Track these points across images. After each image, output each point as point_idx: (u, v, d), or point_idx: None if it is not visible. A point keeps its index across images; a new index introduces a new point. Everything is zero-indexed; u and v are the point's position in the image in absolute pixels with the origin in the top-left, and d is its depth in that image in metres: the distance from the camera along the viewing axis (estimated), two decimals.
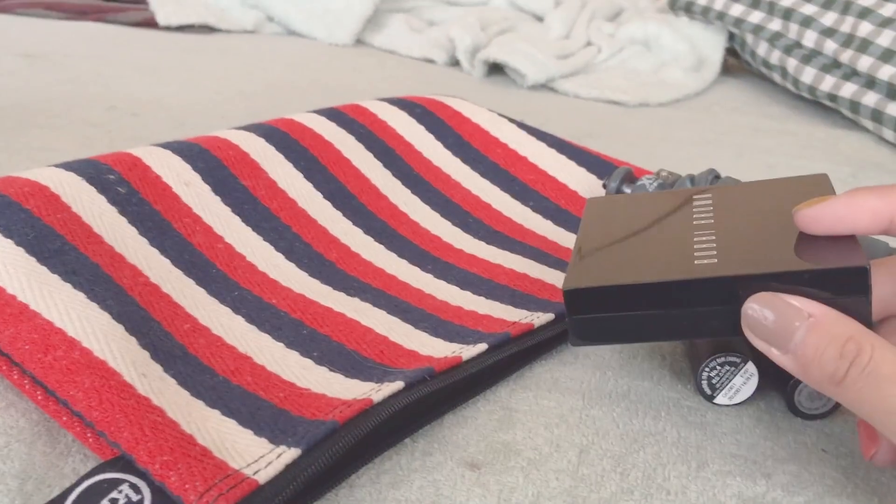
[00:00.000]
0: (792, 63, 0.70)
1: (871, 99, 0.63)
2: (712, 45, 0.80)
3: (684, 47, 0.79)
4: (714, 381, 0.29)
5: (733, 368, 0.29)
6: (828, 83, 0.67)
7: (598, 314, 0.27)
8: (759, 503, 0.25)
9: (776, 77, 0.74)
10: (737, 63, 0.84)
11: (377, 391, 0.26)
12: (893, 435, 0.22)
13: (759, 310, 0.24)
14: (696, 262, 0.26)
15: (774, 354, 0.24)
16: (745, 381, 0.29)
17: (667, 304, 0.26)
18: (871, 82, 0.64)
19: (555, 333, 0.32)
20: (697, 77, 0.76)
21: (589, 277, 0.27)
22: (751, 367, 0.29)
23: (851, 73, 0.66)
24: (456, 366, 0.28)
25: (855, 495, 0.26)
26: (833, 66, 0.67)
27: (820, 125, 0.67)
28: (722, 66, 0.80)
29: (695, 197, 0.31)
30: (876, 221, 0.25)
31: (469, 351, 0.29)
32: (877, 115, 0.63)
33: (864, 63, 0.63)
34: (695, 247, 0.27)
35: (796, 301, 0.24)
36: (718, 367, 0.29)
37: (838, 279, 0.24)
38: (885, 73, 0.62)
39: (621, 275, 0.27)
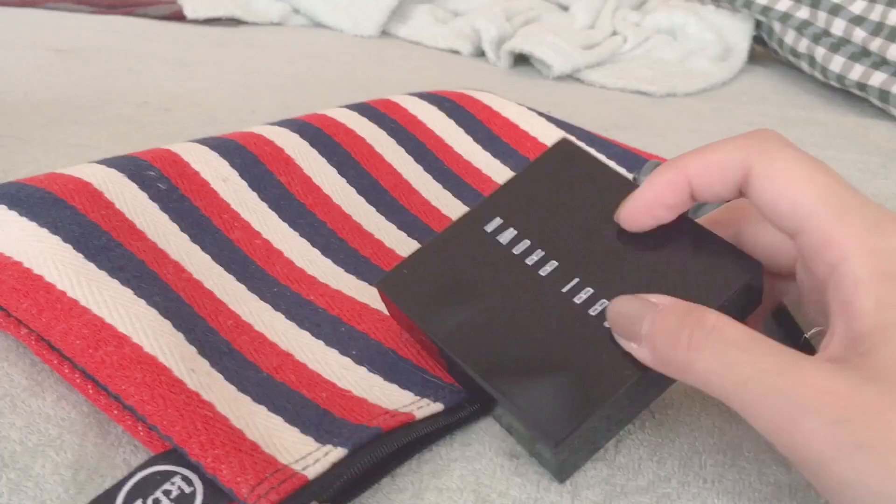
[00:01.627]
0: (820, 52, 0.70)
1: None
2: (739, 34, 0.80)
3: (711, 36, 0.79)
4: None
5: None
6: (857, 72, 0.67)
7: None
8: (795, 490, 0.25)
9: (804, 66, 0.74)
10: (764, 51, 0.84)
11: (419, 407, 0.26)
12: (749, 407, 0.21)
13: (617, 309, 0.24)
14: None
15: (633, 349, 0.24)
16: None
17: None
18: None
19: None
20: (724, 66, 0.76)
21: (401, 290, 0.28)
22: None
23: (881, 62, 0.65)
24: None
25: None
26: (862, 54, 0.67)
27: (849, 114, 0.67)
28: (749, 54, 0.79)
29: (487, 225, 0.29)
30: (677, 193, 0.25)
31: None
32: None
33: (894, 51, 0.63)
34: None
35: (652, 297, 0.24)
36: None
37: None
38: None
39: (419, 308, 0.28)
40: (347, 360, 0.29)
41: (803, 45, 0.72)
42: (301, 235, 0.36)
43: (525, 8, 0.83)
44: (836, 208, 0.22)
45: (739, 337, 0.21)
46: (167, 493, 0.22)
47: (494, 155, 0.46)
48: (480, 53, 0.78)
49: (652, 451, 0.27)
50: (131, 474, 0.23)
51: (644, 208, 0.26)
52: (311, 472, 0.23)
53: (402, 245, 0.37)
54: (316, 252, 0.35)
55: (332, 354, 0.29)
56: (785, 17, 0.74)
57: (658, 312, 0.23)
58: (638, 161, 0.46)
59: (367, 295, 0.33)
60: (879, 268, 0.21)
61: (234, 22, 0.83)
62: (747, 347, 0.21)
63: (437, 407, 0.27)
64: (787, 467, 0.26)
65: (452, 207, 0.41)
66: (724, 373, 0.21)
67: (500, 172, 0.45)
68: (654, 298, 0.24)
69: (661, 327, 0.23)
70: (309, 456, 0.23)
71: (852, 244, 0.22)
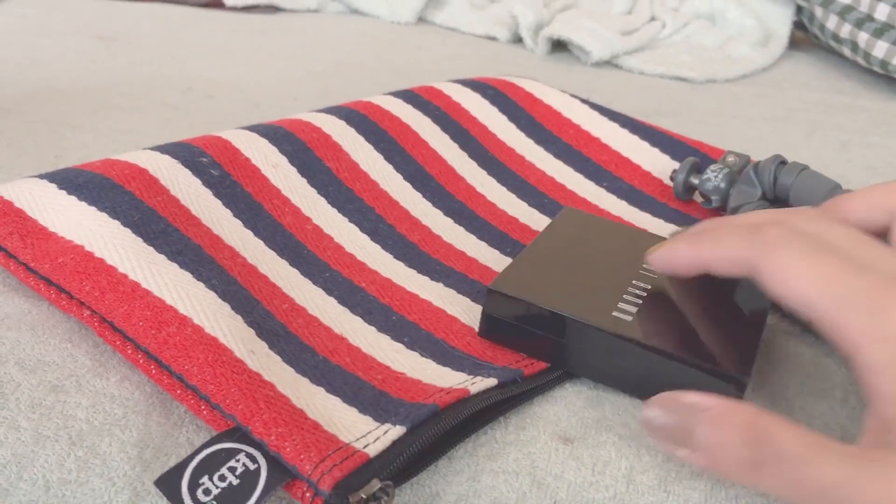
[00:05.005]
0: (863, 37, 0.69)
1: None
2: (780, 19, 0.79)
3: (751, 21, 0.78)
4: None
5: None
6: None
7: (510, 320, 0.29)
8: None
9: (846, 51, 0.73)
10: (804, 37, 0.83)
11: (472, 384, 0.27)
12: None
13: (657, 414, 0.24)
14: (613, 312, 0.28)
15: (684, 455, 0.24)
16: None
17: (572, 340, 0.28)
18: None
19: None
20: (765, 52, 0.75)
21: (515, 286, 0.29)
22: None
23: None
24: (543, 369, 0.29)
25: None
26: None
27: (893, 101, 0.66)
28: (789, 40, 0.78)
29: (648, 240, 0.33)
30: (694, 269, 0.28)
31: None
32: None
33: None
34: (623, 296, 0.29)
35: (691, 398, 0.24)
36: None
37: (715, 385, 0.26)
38: None
39: (542, 296, 0.29)
40: (400, 346, 0.29)
41: (846, 30, 0.71)
42: (350, 221, 0.36)
43: None
44: (835, 297, 0.23)
45: (803, 448, 0.22)
46: (232, 469, 0.23)
47: (538, 142, 0.46)
48: (518, 39, 0.78)
49: None
50: (197, 451, 0.23)
51: (665, 265, 0.29)
52: (372, 450, 0.23)
53: (449, 231, 0.38)
54: (365, 237, 0.36)
55: (385, 340, 0.30)
56: (827, 2, 0.73)
57: (709, 421, 0.23)
58: (682, 148, 0.46)
59: (416, 284, 0.33)
60: (889, 356, 0.22)
61: (271, 9, 0.84)
62: (810, 460, 0.21)
63: (491, 382, 0.27)
64: None
65: (497, 194, 0.41)
66: (790, 492, 0.22)
67: (543, 160, 0.45)
68: (692, 398, 0.24)
69: (718, 441, 0.23)
70: (369, 434, 0.24)
71: (858, 334, 0.23)
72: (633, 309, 0.29)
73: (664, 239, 0.33)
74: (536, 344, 0.29)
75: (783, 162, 0.40)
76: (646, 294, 0.30)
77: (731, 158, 0.41)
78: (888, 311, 0.22)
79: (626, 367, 0.28)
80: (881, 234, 0.27)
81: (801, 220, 0.26)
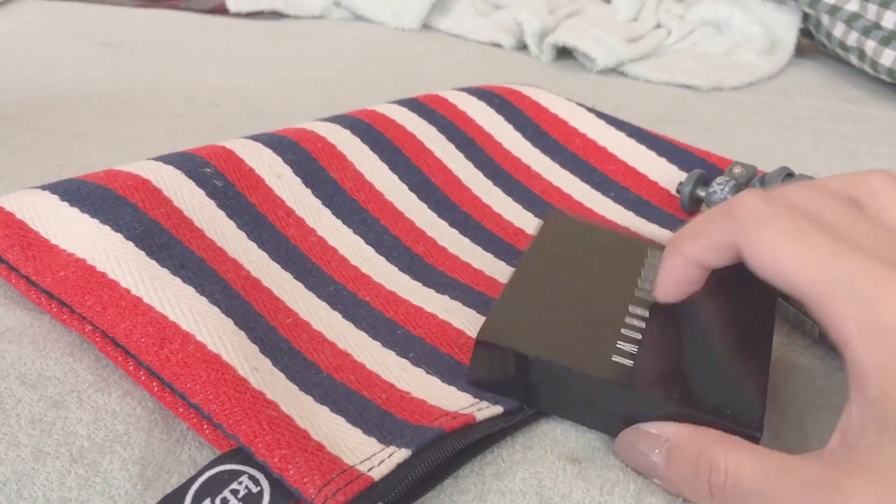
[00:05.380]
0: (870, 45, 0.69)
1: None
2: (786, 26, 0.78)
3: (757, 29, 0.78)
4: None
5: None
6: None
7: (501, 371, 0.27)
8: None
9: (853, 59, 0.72)
10: (811, 44, 0.82)
11: (478, 409, 0.26)
12: None
13: (628, 445, 0.25)
14: (613, 357, 0.26)
15: (658, 484, 0.25)
16: None
17: (570, 390, 0.27)
18: None
19: None
20: (771, 59, 0.75)
21: (505, 333, 0.27)
22: None
23: None
24: None
25: None
26: None
27: None
28: (795, 47, 0.78)
29: (648, 252, 0.32)
30: (689, 272, 0.26)
31: None
32: None
33: None
34: (621, 330, 0.28)
35: (654, 428, 0.25)
36: None
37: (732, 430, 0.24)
38: None
39: (535, 344, 0.27)
40: (405, 362, 0.29)
41: (853, 38, 0.71)
42: (355, 232, 0.36)
43: (567, 0, 0.83)
44: (825, 283, 0.22)
45: (756, 479, 0.22)
46: (235, 492, 0.22)
47: (544, 151, 0.46)
48: (523, 46, 0.78)
49: None
50: (199, 473, 0.23)
51: (670, 289, 0.27)
52: (377, 474, 0.23)
53: (455, 242, 0.37)
54: (370, 249, 0.35)
55: (390, 356, 0.29)
56: (834, 10, 0.73)
57: (667, 454, 0.24)
58: (689, 158, 0.45)
59: (420, 297, 0.33)
60: (880, 355, 0.21)
61: (276, 15, 0.83)
62: (764, 491, 0.21)
63: (497, 409, 0.27)
64: None
65: (503, 204, 0.41)
66: None
67: (550, 169, 0.45)
68: (656, 429, 0.25)
69: (675, 474, 0.24)
70: (374, 457, 0.23)
71: (850, 326, 0.21)
72: (633, 349, 0.27)
73: (651, 244, 0.33)
74: (529, 393, 0.27)
75: (790, 174, 0.39)
76: (644, 325, 0.28)
77: (737, 170, 0.41)
78: (882, 302, 0.21)
79: (629, 414, 0.26)
80: None
81: (786, 190, 0.25)
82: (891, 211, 0.24)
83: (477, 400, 0.27)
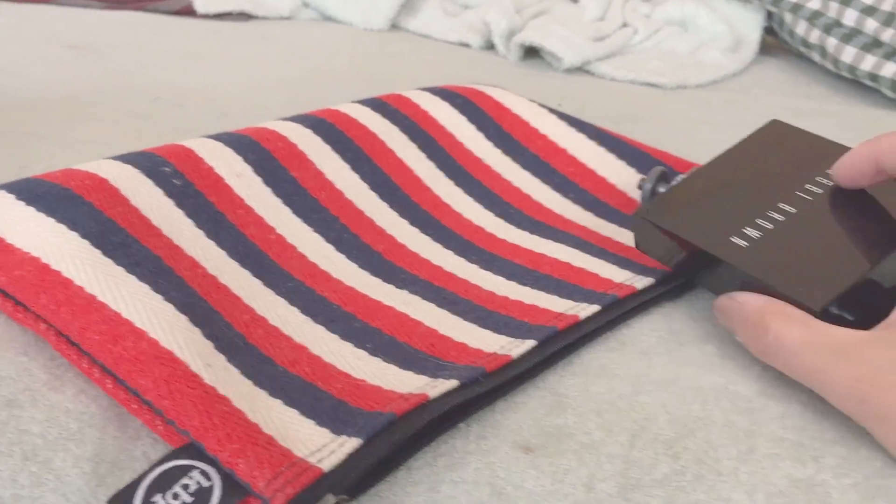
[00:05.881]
0: (832, 42, 0.70)
1: None
2: (750, 25, 0.79)
3: (722, 27, 0.79)
4: None
5: None
6: (868, 62, 0.66)
7: (656, 236, 0.34)
8: (809, 485, 0.26)
9: (815, 56, 0.73)
10: (775, 42, 0.83)
11: (433, 387, 0.27)
12: (821, 390, 0.27)
13: (720, 308, 0.32)
14: (731, 237, 0.32)
15: (738, 339, 0.31)
16: None
17: (694, 260, 0.33)
18: None
19: (599, 325, 0.32)
20: (735, 58, 0.75)
21: (656, 213, 0.34)
22: None
23: (892, 52, 0.65)
24: (506, 364, 0.29)
25: None
26: (874, 45, 0.67)
27: (861, 105, 0.67)
28: (760, 45, 0.79)
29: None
30: (869, 164, 0.32)
31: (518, 348, 0.30)
32: None
33: None
34: (757, 220, 0.33)
35: (738, 297, 0.31)
36: None
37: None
38: None
39: (674, 221, 0.33)
40: (362, 353, 0.29)
41: (815, 35, 0.72)
42: (315, 230, 0.36)
43: (535, 0, 0.83)
44: None
45: (796, 343, 0.28)
46: (185, 486, 0.23)
47: (505, 152, 0.46)
48: (490, 46, 0.78)
49: (668, 447, 0.27)
50: (151, 469, 0.23)
51: (842, 172, 0.33)
52: (327, 465, 0.23)
53: (415, 240, 0.38)
54: (329, 247, 0.36)
55: (347, 347, 0.30)
56: (796, 8, 0.74)
57: (738, 316, 0.30)
58: (647, 160, 0.46)
59: (380, 292, 0.33)
60: None
61: (244, 16, 0.83)
62: (800, 352, 0.28)
63: (452, 383, 0.27)
64: (801, 463, 0.26)
65: (464, 204, 0.41)
66: (790, 372, 0.28)
67: (510, 170, 0.45)
68: (739, 298, 0.31)
69: (745, 333, 0.30)
70: (324, 448, 0.24)
71: None
72: (756, 234, 0.32)
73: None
74: (677, 261, 0.34)
75: None
76: (782, 218, 0.32)
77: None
78: None
79: (729, 284, 0.32)
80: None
81: None
82: None
83: (432, 378, 0.27)
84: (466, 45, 0.79)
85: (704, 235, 0.32)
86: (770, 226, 0.32)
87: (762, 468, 0.26)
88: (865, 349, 0.27)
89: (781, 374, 0.31)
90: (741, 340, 0.31)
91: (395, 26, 0.84)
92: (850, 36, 0.69)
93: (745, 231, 0.32)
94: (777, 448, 0.27)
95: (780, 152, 0.36)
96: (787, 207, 0.33)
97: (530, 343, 0.30)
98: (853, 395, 0.26)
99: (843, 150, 0.35)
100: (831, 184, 0.34)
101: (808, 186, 0.34)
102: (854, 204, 0.33)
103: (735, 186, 0.35)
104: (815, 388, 0.28)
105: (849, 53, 0.68)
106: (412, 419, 0.25)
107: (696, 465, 0.26)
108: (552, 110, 0.49)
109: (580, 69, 0.73)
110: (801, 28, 0.74)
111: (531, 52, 0.76)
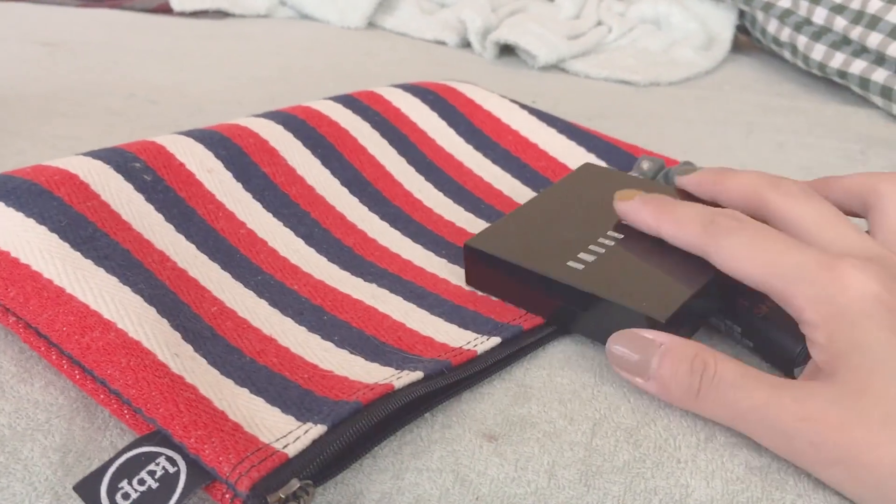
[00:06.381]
0: (802, 40, 0.71)
1: (880, 76, 0.64)
2: (723, 23, 0.80)
3: (694, 26, 0.79)
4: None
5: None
6: (837, 60, 0.67)
7: (487, 271, 0.34)
8: (766, 472, 0.26)
9: (786, 54, 0.74)
10: (747, 41, 0.84)
11: (398, 378, 0.27)
12: (751, 433, 0.26)
13: (620, 348, 0.29)
14: (568, 262, 0.32)
15: (639, 383, 0.29)
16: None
17: (534, 288, 0.32)
18: (880, 59, 0.64)
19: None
20: (708, 55, 0.76)
21: (489, 242, 0.34)
22: None
23: (861, 50, 0.66)
24: (471, 359, 0.29)
25: None
26: (843, 42, 0.68)
27: (830, 102, 0.68)
28: (732, 43, 0.80)
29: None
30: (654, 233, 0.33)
31: (484, 344, 0.30)
32: (886, 92, 0.63)
33: (874, 40, 0.64)
34: (589, 246, 0.33)
35: (649, 334, 0.28)
36: None
37: (643, 320, 0.29)
38: (895, 49, 0.62)
39: (508, 249, 0.33)
40: (329, 345, 0.30)
41: (785, 33, 0.73)
42: (285, 225, 0.36)
43: None
44: (782, 275, 0.27)
45: (737, 377, 0.26)
46: (152, 473, 0.23)
47: (476, 148, 0.47)
48: (466, 44, 0.79)
49: (628, 435, 0.28)
50: (117, 455, 0.23)
51: (630, 221, 0.34)
52: (292, 450, 0.23)
53: (385, 235, 0.38)
54: (300, 241, 0.36)
55: (315, 339, 0.30)
56: (767, 6, 0.75)
57: (663, 353, 0.28)
58: (617, 153, 0.47)
59: (349, 285, 0.34)
60: (825, 314, 0.26)
61: (221, 14, 0.83)
62: (741, 386, 0.26)
63: (417, 375, 0.27)
64: (758, 451, 0.27)
65: (434, 199, 0.42)
66: (729, 409, 0.26)
67: (481, 165, 0.45)
68: (650, 335, 0.28)
69: (669, 371, 0.28)
70: (290, 434, 0.24)
71: (803, 301, 0.27)
72: (591, 258, 0.32)
73: (656, 186, 0.38)
74: (514, 293, 0.33)
75: (692, 169, 0.40)
76: (612, 244, 0.33)
77: (645, 165, 0.42)
78: (824, 280, 0.26)
79: (571, 308, 0.31)
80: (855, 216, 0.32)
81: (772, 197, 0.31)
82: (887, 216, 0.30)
83: (398, 370, 0.28)
84: (443, 43, 0.80)
85: (540, 261, 0.32)
86: (602, 250, 0.33)
87: (720, 456, 0.27)
88: (806, 385, 0.26)
89: None
90: (654, 382, 0.28)
91: (371, 24, 0.85)
92: (819, 34, 0.70)
93: (579, 256, 0.32)
94: (735, 437, 0.28)
95: (598, 188, 0.37)
96: (616, 234, 0.34)
97: (495, 340, 0.30)
98: (802, 435, 0.25)
99: (656, 184, 0.38)
100: None
101: None
102: None
103: (561, 220, 0.35)
104: (750, 431, 0.26)
105: (818, 51, 0.69)
106: (377, 408, 0.26)
107: (655, 452, 0.27)
108: (523, 106, 0.50)
109: (555, 67, 0.73)
110: (772, 26, 0.75)
111: (507, 50, 0.76)
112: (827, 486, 0.26)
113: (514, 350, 0.30)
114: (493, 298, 0.34)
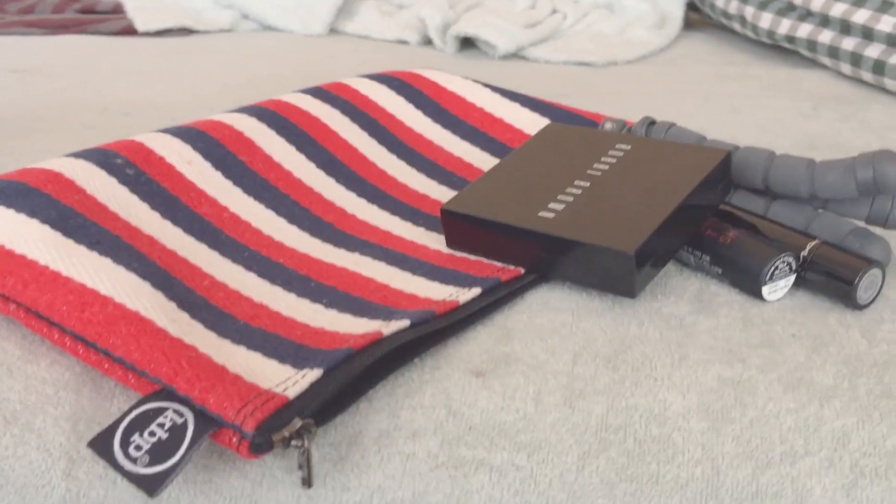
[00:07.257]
0: (749, 10, 0.73)
1: (826, 37, 0.66)
2: (673, 2, 0.83)
3: (646, 7, 0.82)
4: (773, 275, 0.32)
5: (787, 269, 0.33)
6: (784, 26, 0.70)
7: (465, 231, 0.36)
8: (738, 381, 0.28)
9: (736, 26, 0.77)
10: (698, 18, 0.87)
11: (386, 326, 0.29)
12: None
13: None
14: (539, 212, 0.34)
15: None
16: (787, 284, 0.33)
17: (511, 240, 0.34)
18: (825, 20, 0.67)
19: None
20: (661, 34, 0.79)
21: (464, 203, 0.36)
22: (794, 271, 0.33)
23: (806, 14, 0.69)
24: (454, 308, 0.31)
25: (823, 368, 0.29)
26: (788, 9, 0.70)
27: (781, 66, 0.70)
28: (684, 21, 0.82)
29: (617, 144, 0.39)
30: None
31: (465, 295, 0.32)
32: (833, 52, 0.66)
33: (817, 3, 0.66)
34: (558, 196, 0.35)
35: None
36: (780, 265, 0.33)
37: (613, 256, 0.31)
38: (838, 10, 0.64)
39: (482, 208, 0.35)
40: (319, 307, 0.31)
41: (733, 6, 0.76)
42: (267, 207, 0.38)
43: None
44: None
45: None
46: (161, 425, 0.24)
47: (444, 126, 0.48)
48: (428, 41, 0.81)
49: (606, 361, 0.29)
50: (127, 412, 0.25)
51: None
52: (291, 393, 0.25)
53: (363, 209, 0.40)
54: (282, 220, 0.37)
55: (305, 303, 0.31)
56: None
57: None
58: (581, 121, 0.49)
59: (332, 256, 0.35)
60: None
61: (185, 31, 0.85)
62: None
63: (404, 323, 0.29)
64: (729, 364, 0.29)
65: (408, 175, 0.43)
66: None
67: (451, 142, 0.47)
68: None
69: None
70: (288, 380, 0.25)
71: None
72: (560, 207, 0.34)
73: (627, 139, 0.39)
74: (494, 248, 0.35)
75: (653, 122, 0.42)
76: (580, 192, 0.35)
77: (608, 126, 0.44)
78: None
79: (545, 255, 0.33)
80: None
81: None
82: None
83: (386, 322, 0.29)
84: (405, 43, 0.82)
85: (513, 214, 0.34)
86: (570, 199, 0.35)
87: (694, 372, 0.29)
88: None
89: (712, 296, 0.33)
90: None
91: (333, 30, 0.86)
92: (765, 3, 0.72)
93: (549, 206, 0.34)
94: (707, 355, 0.29)
95: (564, 144, 0.40)
96: (583, 183, 0.36)
97: (476, 290, 0.32)
98: None
99: (621, 137, 0.39)
100: (615, 160, 0.37)
101: (596, 165, 0.37)
102: (640, 168, 0.37)
103: (530, 176, 0.37)
104: None
105: (766, 19, 0.72)
106: (369, 352, 0.27)
107: (633, 373, 0.28)
108: (486, 84, 0.51)
109: (515, 55, 0.75)
110: (720, 0, 0.77)
111: (467, 43, 0.78)
112: (799, 387, 0.28)
113: (494, 299, 0.32)
114: (472, 258, 0.36)
